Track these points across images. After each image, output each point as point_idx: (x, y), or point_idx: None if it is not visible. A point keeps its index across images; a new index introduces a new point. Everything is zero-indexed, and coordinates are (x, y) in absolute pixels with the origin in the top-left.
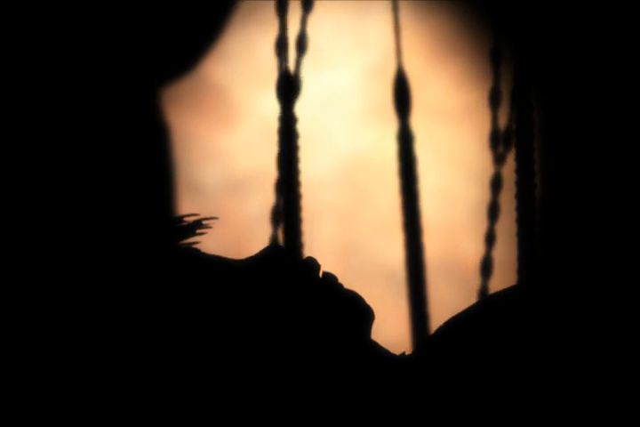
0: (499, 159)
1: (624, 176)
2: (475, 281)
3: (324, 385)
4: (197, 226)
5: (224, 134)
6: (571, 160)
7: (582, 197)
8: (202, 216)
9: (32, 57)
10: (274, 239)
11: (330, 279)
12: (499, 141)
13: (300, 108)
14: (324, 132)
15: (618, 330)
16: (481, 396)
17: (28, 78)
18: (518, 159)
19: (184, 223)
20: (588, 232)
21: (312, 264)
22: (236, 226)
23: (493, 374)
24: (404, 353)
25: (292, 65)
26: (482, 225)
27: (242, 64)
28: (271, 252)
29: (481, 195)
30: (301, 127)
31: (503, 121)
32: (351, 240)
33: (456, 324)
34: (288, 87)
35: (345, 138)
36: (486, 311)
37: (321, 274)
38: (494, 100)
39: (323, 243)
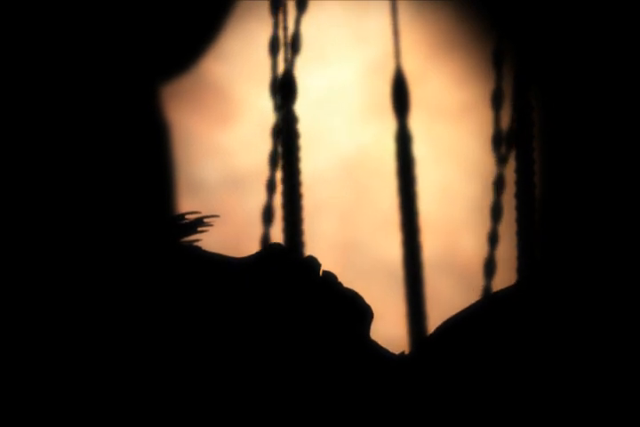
0: (501, 160)
1: (624, 176)
2: (474, 279)
3: (324, 384)
4: (198, 224)
5: (223, 132)
6: (570, 160)
7: (582, 196)
8: (203, 214)
9: (32, 55)
10: (265, 239)
11: (329, 278)
12: (501, 142)
13: (299, 105)
14: (324, 129)
15: (619, 332)
16: (480, 395)
17: (28, 76)
18: (518, 159)
19: (185, 221)
20: (588, 232)
21: (312, 263)
22: (235, 223)
23: (493, 373)
24: (403, 352)
25: (288, 64)
26: (481, 223)
27: (241, 62)
28: (272, 250)
29: (480, 192)
30: (300, 125)
31: (504, 121)
32: (351, 237)
33: (455, 323)
34: (283, 86)
35: (344, 135)
36: (486, 311)
37: (321, 273)
38: (495, 100)
39: (322, 240)
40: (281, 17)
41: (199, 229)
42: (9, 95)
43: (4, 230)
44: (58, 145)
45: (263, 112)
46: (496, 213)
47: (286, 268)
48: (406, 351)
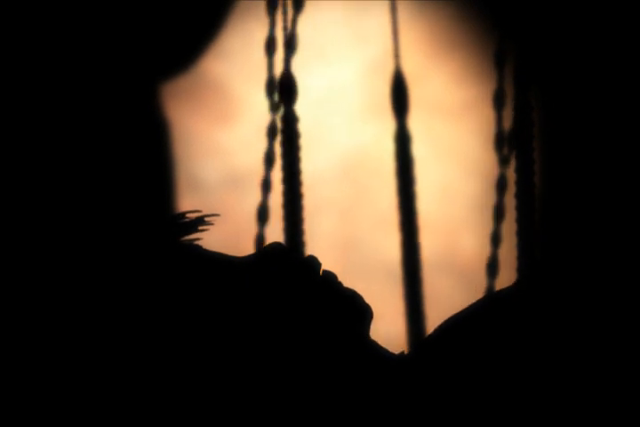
0: (503, 160)
1: (624, 176)
2: (473, 278)
3: (323, 383)
4: (199, 222)
5: (223, 131)
6: (570, 160)
7: (582, 196)
8: (203, 213)
9: (32, 54)
10: (260, 238)
11: (330, 278)
12: (503, 142)
13: (299, 104)
14: (324, 129)
15: (619, 332)
16: (480, 395)
17: (28, 75)
18: (518, 159)
19: (186, 220)
20: (588, 231)
21: (313, 262)
22: (235, 222)
23: (492, 373)
24: (402, 352)
25: (285, 63)
26: (480, 222)
27: (241, 61)
28: (272, 250)
29: (480, 192)
30: (300, 124)
31: (505, 121)
32: (351, 236)
33: (455, 323)
34: (283, 86)
35: (344, 135)
36: (485, 310)
37: (321, 272)
38: (497, 100)
39: (322, 239)
40: (280, 16)
41: (200, 227)
42: (9, 95)
43: (4, 229)
44: (58, 144)
45: (263, 111)
46: (498, 213)
47: (287, 267)
48: (406, 351)
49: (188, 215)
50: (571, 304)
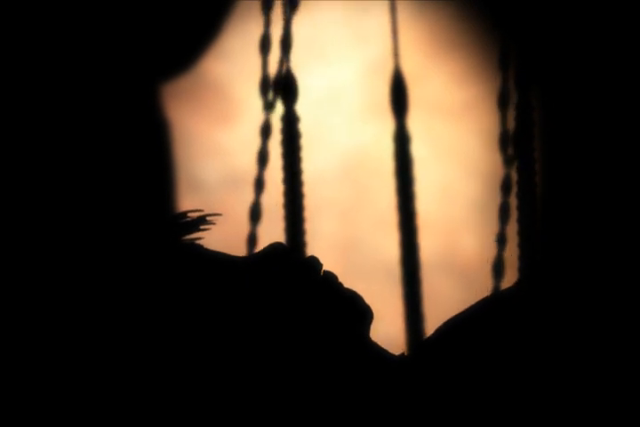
0: (508, 161)
1: (625, 176)
2: (472, 279)
3: (323, 384)
4: (200, 222)
5: (224, 131)
6: (572, 159)
7: (583, 196)
8: (205, 212)
9: (32, 54)
10: (251, 237)
11: (330, 278)
12: (507, 143)
13: (299, 105)
14: (323, 129)
15: (620, 334)
16: (480, 397)
17: (28, 76)
18: (519, 159)
19: (187, 219)
20: (590, 231)
21: (314, 263)
22: (236, 222)
23: (492, 375)
24: (402, 354)
25: (285, 63)
26: (480, 223)
27: (241, 61)
28: (274, 250)
29: (479, 192)
30: (300, 124)
31: (507, 122)
32: (351, 236)
33: (455, 324)
34: (283, 86)
35: (344, 135)
36: (486, 312)
37: (322, 272)
38: (500, 100)
39: (322, 239)
40: (278, 16)
41: (201, 227)
42: (10, 95)
43: (5, 229)
44: (59, 145)
45: (263, 114)
46: (503, 213)
47: (288, 267)
48: (406, 353)
49: (189, 215)
50: (572, 305)
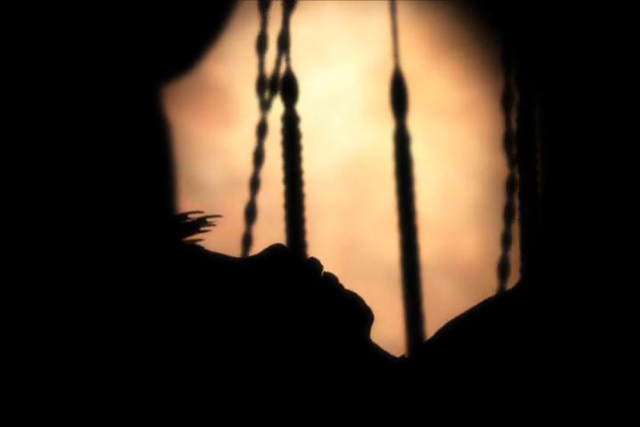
0: (512, 162)
1: (627, 176)
2: (473, 280)
3: (324, 386)
4: (201, 223)
5: (224, 133)
6: (573, 160)
7: (585, 196)
8: (205, 214)
9: (33, 56)
10: (246, 237)
11: (330, 280)
12: (511, 144)
13: (300, 105)
14: (324, 130)
15: (622, 338)
16: (481, 400)
17: (29, 77)
18: (521, 159)
19: (188, 220)
20: (591, 232)
21: (314, 265)
22: (236, 224)
23: (493, 377)
24: (403, 356)
25: (284, 63)
26: (481, 224)
27: (242, 62)
28: (274, 251)
29: (480, 193)
30: (301, 124)
31: (509, 122)
32: (351, 238)
33: (456, 326)
34: (283, 86)
35: (344, 136)
36: (487, 314)
37: (322, 274)
38: (500, 101)
39: (323, 241)
40: (277, 15)
41: (201, 228)
42: (11, 96)
43: (5, 230)
44: (59, 146)
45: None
46: (507, 214)
47: (288, 269)
48: (406, 355)
49: (189, 216)
50: (573, 307)
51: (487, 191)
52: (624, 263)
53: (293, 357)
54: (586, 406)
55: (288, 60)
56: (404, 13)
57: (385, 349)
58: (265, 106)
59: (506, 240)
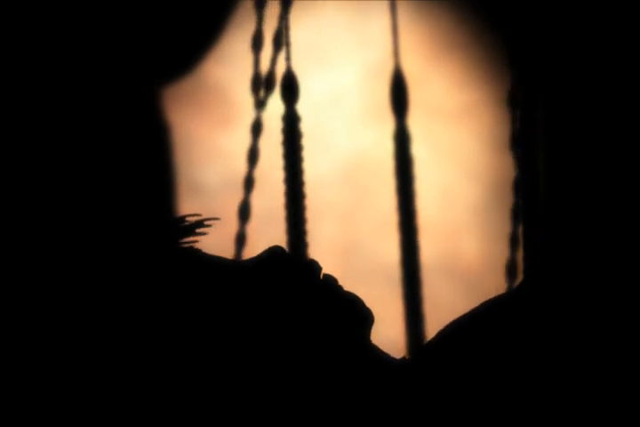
0: (516, 163)
1: (629, 177)
2: (473, 282)
3: (324, 388)
4: (198, 226)
5: (225, 134)
6: (575, 160)
7: (586, 196)
8: (203, 216)
9: (32, 57)
10: (241, 237)
11: (330, 281)
12: (516, 145)
13: (300, 107)
14: (324, 131)
15: (623, 340)
16: (481, 401)
17: (28, 79)
18: (522, 159)
19: (186, 223)
20: (593, 232)
21: (313, 266)
22: (236, 225)
23: (494, 379)
24: (404, 357)
25: (276, 62)
26: (481, 225)
27: (242, 64)
28: (273, 253)
29: (481, 194)
30: (301, 124)
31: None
32: (351, 240)
33: (457, 327)
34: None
35: (345, 137)
36: (487, 315)
37: (321, 276)
38: (510, 101)
39: (323, 242)
40: (275, 14)
41: (198, 231)
42: (10, 99)
43: (5, 234)
44: (59, 148)
45: (265, 115)
46: (515, 215)
47: (287, 271)
48: (407, 356)
49: (187, 219)
50: (574, 308)
51: (487, 192)
52: (626, 264)
53: (293, 359)
54: (586, 406)
55: (289, 59)
56: (404, 14)
57: (385, 350)
58: (260, 105)
59: (513, 241)
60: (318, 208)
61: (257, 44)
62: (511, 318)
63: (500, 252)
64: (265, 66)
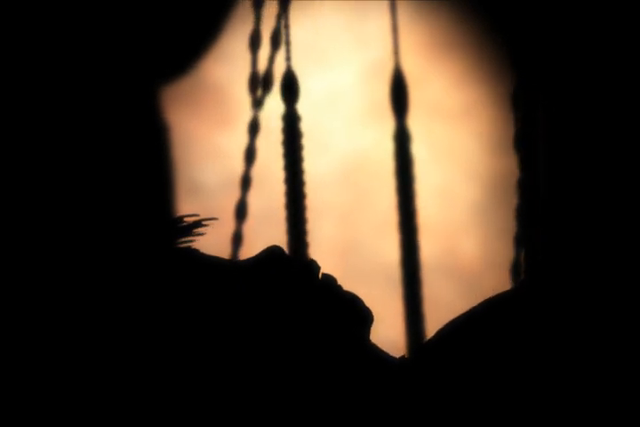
0: (518, 163)
1: (630, 176)
2: (473, 281)
3: (324, 388)
4: (196, 226)
5: (224, 134)
6: (575, 160)
7: (587, 196)
8: (201, 216)
9: (30, 56)
10: (237, 237)
11: (329, 281)
12: (519, 145)
13: (299, 107)
14: (323, 131)
15: (622, 339)
16: (481, 400)
17: (27, 78)
18: (522, 160)
19: (184, 224)
20: (593, 232)
21: (311, 266)
22: (234, 226)
23: (494, 377)
24: (403, 356)
25: (273, 60)
26: (480, 225)
27: (241, 63)
28: (271, 253)
29: (480, 194)
30: (301, 124)
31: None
32: (351, 240)
33: (456, 326)
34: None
35: (344, 137)
36: (487, 313)
37: (320, 275)
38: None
39: (322, 242)
40: (275, 14)
41: (196, 231)
42: (8, 99)
43: (3, 234)
44: (56, 147)
45: (264, 115)
46: (517, 215)
47: (285, 271)
48: (406, 355)
49: (185, 219)
50: (574, 307)
51: (487, 192)
52: (625, 263)
53: (293, 359)
54: (586, 405)
55: (289, 59)
56: (404, 14)
57: (385, 350)
58: (258, 104)
59: (516, 241)
60: (318, 208)
61: (255, 43)
62: (510, 317)
63: (500, 251)
64: (263, 65)
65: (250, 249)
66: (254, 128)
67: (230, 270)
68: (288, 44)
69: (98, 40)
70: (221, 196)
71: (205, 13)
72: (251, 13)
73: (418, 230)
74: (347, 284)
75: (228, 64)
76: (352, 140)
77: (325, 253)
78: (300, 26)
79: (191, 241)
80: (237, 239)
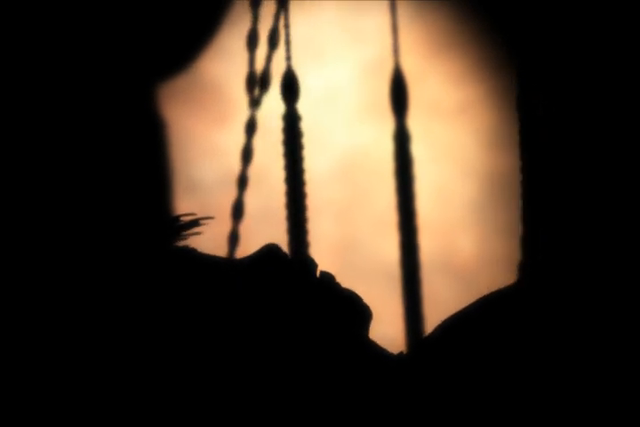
0: (517, 161)
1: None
2: (472, 279)
3: (322, 385)
4: (192, 225)
5: (221, 132)
6: (575, 160)
7: (586, 195)
8: (198, 215)
9: (29, 54)
10: (234, 235)
11: (327, 278)
12: (521, 144)
13: (298, 104)
14: (322, 129)
15: (619, 333)
16: (480, 395)
17: (25, 76)
18: (522, 158)
19: (181, 222)
20: (592, 230)
21: (309, 263)
22: (231, 224)
23: (492, 373)
24: (401, 353)
25: (271, 59)
26: (479, 222)
27: (239, 61)
28: (268, 251)
29: (478, 192)
30: (301, 126)
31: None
32: (349, 237)
33: (455, 322)
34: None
35: (342, 135)
36: (485, 310)
37: (318, 273)
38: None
39: (321, 240)
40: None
41: (193, 230)
42: (6, 97)
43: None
44: (55, 145)
45: (262, 113)
46: (525, 214)
47: (283, 268)
48: (405, 351)
49: (183, 218)
50: (572, 303)
51: (485, 190)
52: (624, 262)
53: (291, 356)
54: (585, 404)
55: (289, 58)
56: (403, 13)
57: (384, 347)
58: (255, 103)
59: (525, 242)
60: (317, 206)
61: (252, 42)
62: (508, 313)
63: (498, 249)
64: (260, 64)
65: (246, 247)
66: (252, 127)
67: (227, 269)
68: (288, 43)
69: (95, 38)
70: (218, 194)
71: (203, 11)
72: (248, 12)
73: (417, 229)
74: (345, 281)
75: (226, 62)
76: (351, 138)
77: (324, 251)
78: (300, 24)
79: (188, 240)
80: (234, 238)
